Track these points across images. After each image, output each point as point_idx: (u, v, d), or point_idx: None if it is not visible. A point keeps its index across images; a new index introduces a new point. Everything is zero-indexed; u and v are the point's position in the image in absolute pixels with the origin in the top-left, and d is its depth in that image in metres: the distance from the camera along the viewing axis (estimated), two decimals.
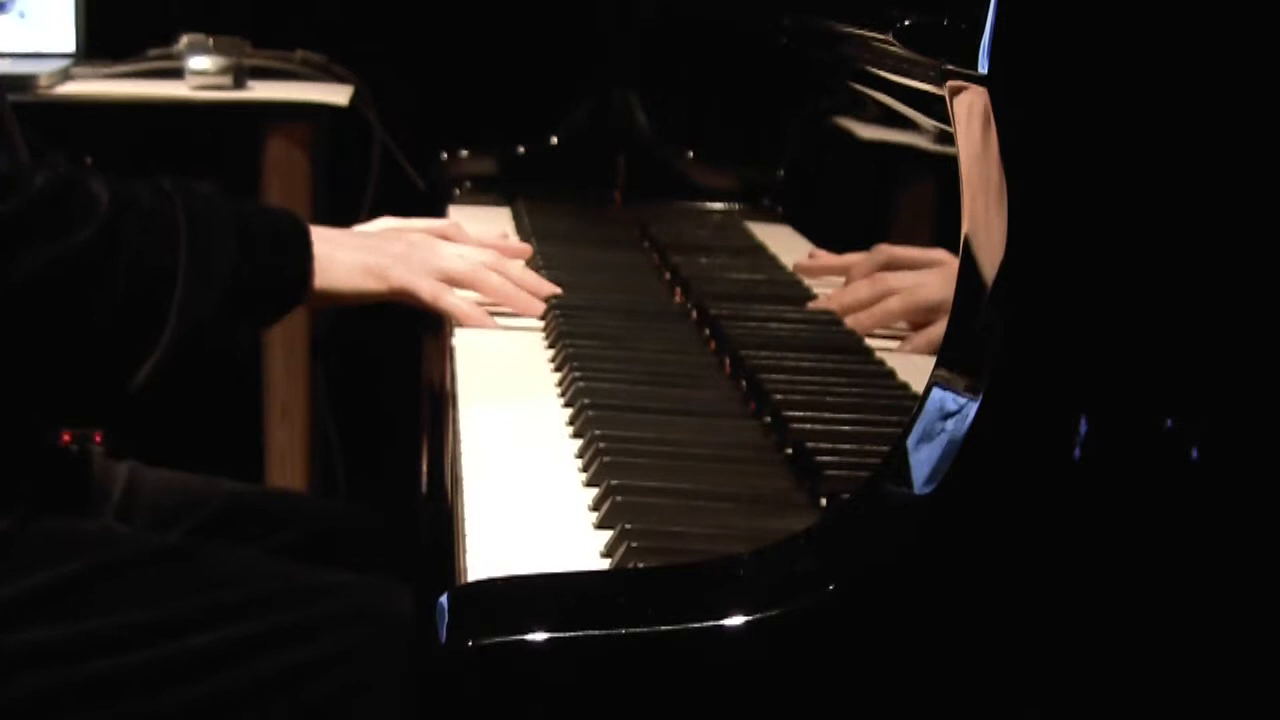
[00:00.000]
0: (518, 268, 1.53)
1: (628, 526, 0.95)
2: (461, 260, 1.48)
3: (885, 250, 1.33)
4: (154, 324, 1.27)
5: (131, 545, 1.34)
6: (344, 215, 1.80)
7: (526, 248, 1.62)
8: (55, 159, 1.31)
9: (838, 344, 1.31)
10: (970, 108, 0.82)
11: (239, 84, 2.44)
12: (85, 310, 1.25)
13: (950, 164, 0.85)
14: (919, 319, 1.25)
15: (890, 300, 1.28)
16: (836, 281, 1.44)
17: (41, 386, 1.31)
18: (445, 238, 1.52)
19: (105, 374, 1.30)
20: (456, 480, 1.08)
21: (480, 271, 1.48)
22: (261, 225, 1.37)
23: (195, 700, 1.25)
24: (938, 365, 0.84)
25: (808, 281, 1.51)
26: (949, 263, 0.90)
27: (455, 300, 1.46)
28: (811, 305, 1.43)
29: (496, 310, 1.48)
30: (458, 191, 2.16)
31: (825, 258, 1.53)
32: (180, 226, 1.29)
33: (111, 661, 1.24)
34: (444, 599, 0.80)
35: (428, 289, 1.45)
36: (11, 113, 1.34)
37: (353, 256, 1.42)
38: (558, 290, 1.52)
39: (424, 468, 1.98)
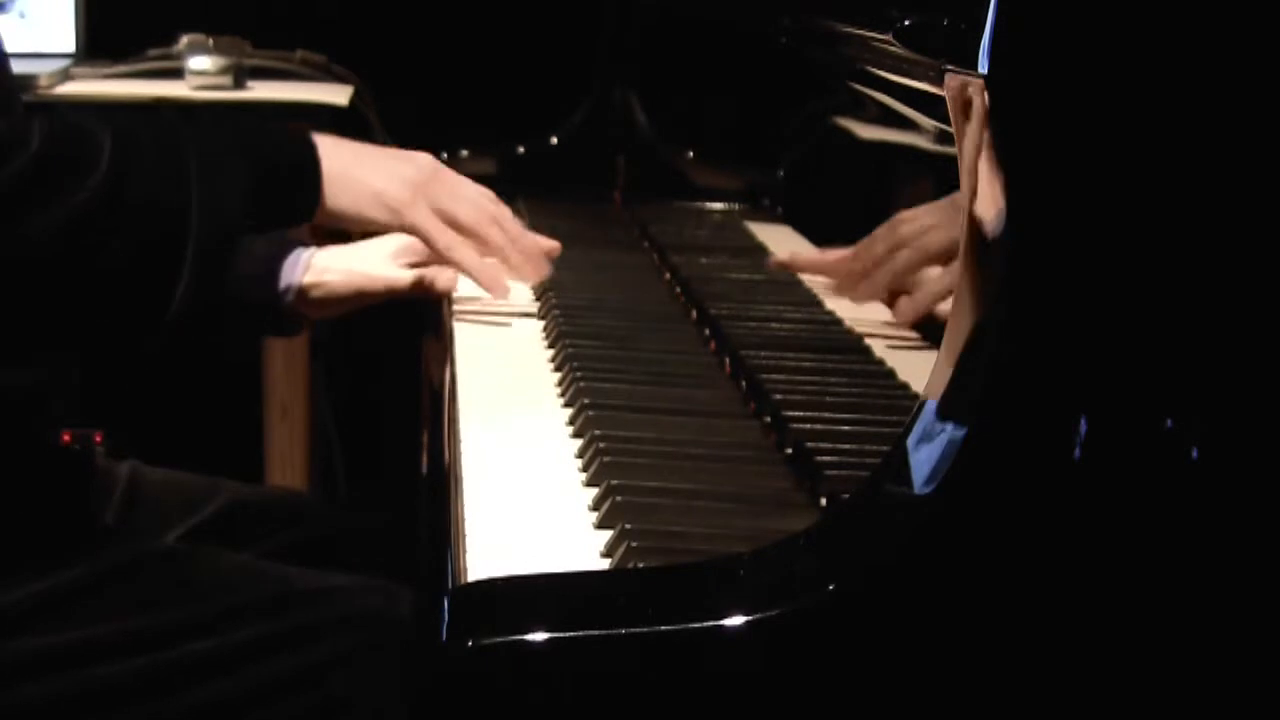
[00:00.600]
0: (524, 238, 1.51)
1: (628, 526, 0.95)
2: (473, 207, 1.45)
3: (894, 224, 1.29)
4: (173, 264, 1.24)
5: (131, 550, 1.33)
6: None
7: (555, 245, 1.62)
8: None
9: (838, 344, 1.31)
10: (970, 108, 0.82)
11: (239, 84, 2.44)
12: (101, 259, 1.22)
13: (950, 164, 0.85)
14: (932, 265, 1.23)
15: (899, 255, 1.26)
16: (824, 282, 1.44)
17: (70, 337, 1.28)
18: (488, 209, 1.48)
19: (131, 316, 1.27)
20: (456, 480, 1.08)
21: (486, 225, 1.46)
22: (269, 148, 1.34)
23: (196, 706, 1.25)
24: (938, 365, 0.84)
25: (808, 282, 1.51)
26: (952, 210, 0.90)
27: (469, 255, 1.44)
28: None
29: (495, 308, 1.48)
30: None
31: (803, 256, 1.53)
32: (189, 160, 1.27)
33: (113, 668, 1.24)
34: (444, 599, 0.80)
35: (443, 239, 1.42)
36: (11, 73, 1.32)
37: (367, 179, 1.39)
38: (555, 248, 1.51)
39: (424, 468, 1.98)
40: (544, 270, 1.50)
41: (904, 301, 1.23)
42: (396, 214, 1.40)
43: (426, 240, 1.42)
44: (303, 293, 1.48)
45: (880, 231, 1.28)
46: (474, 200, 1.46)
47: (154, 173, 1.25)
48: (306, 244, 1.52)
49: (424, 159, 1.47)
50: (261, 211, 1.32)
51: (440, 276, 1.51)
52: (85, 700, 1.24)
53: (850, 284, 1.33)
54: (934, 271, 1.17)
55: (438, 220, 1.42)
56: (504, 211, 1.50)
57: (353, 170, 1.38)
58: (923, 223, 1.20)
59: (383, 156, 1.44)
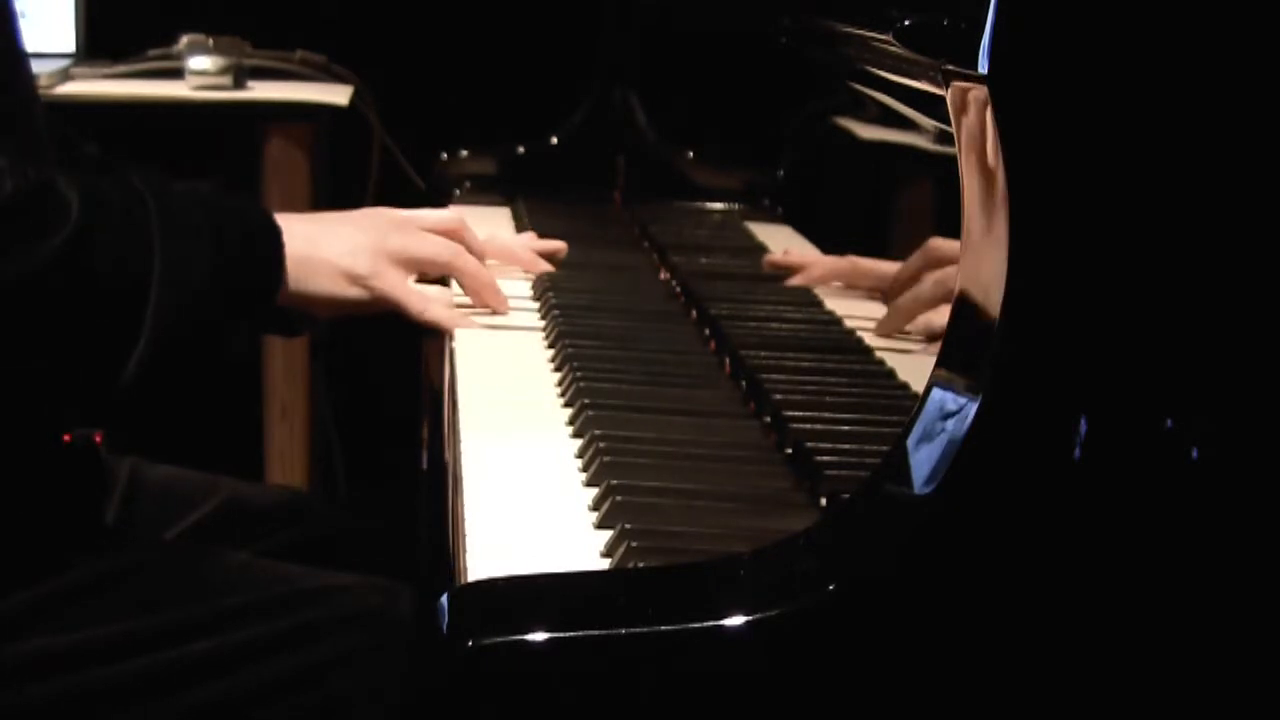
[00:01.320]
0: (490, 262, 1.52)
1: (628, 526, 0.95)
2: (434, 246, 1.46)
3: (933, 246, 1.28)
4: (129, 331, 1.24)
5: (132, 551, 1.33)
6: None
7: (561, 245, 1.61)
8: (43, 163, 1.28)
9: (838, 344, 1.31)
10: (970, 108, 0.82)
11: (239, 84, 2.44)
12: (57, 321, 1.22)
13: (950, 164, 0.85)
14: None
15: (924, 284, 1.25)
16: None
17: (18, 395, 1.28)
18: (451, 234, 1.49)
19: (84, 382, 1.26)
20: (456, 480, 1.08)
21: (454, 258, 1.46)
22: (234, 224, 1.33)
23: (197, 706, 1.25)
24: (938, 365, 0.84)
25: (803, 281, 1.51)
26: None
27: (443, 312, 1.45)
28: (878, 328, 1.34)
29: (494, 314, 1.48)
30: (458, 191, 2.16)
31: (796, 255, 1.53)
32: (153, 232, 1.26)
33: (113, 669, 1.24)
34: (444, 599, 0.80)
35: (416, 302, 1.43)
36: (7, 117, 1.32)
37: (330, 257, 1.39)
38: (561, 248, 1.53)
39: (424, 468, 1.98)
40: (504, 305, 1.50)
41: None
42: (366, 288, 1.40)
43: (402, 308, 1.43)
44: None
45: (914, 262, 1.27)
46: (435, 240, 1.46)
47: (119, 240, 1.24)
48: None
49: (379, 215, 1.47)
50: (224, 288, 1.30)
51: (444, 294, 1.50)
52: (86, 701, 1.24)
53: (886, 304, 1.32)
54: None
55: (406, 286, 1.43)
56: (467, 236, 1.50)
57: (316, 251, 1.38)
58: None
59: (340, 225, 1.44)
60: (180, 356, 1.29)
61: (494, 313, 1.49)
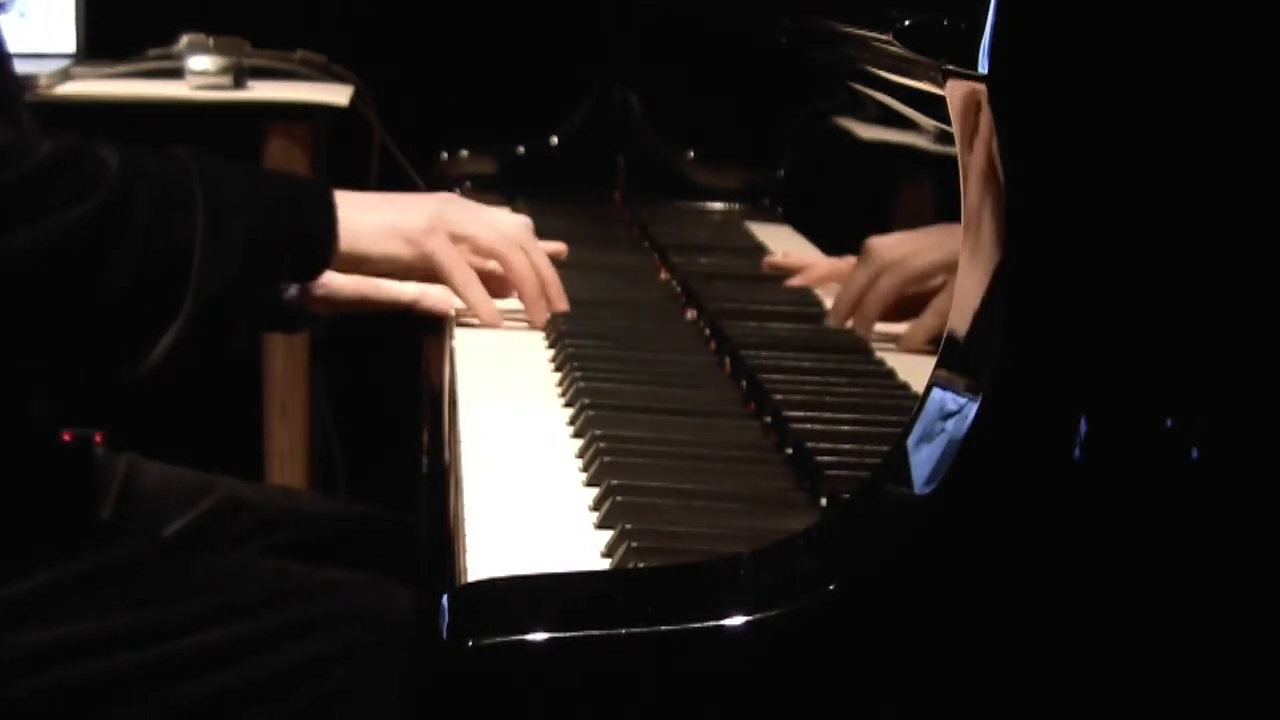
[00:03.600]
0: (543, 261, 1.50)
1: (628, 526, 0.95)
2: (491, 230, 1.45)
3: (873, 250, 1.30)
4: (172, 295, 1.23)
5: (128, 547, 1.33)
6: None
7: (562, 247, 1.62)
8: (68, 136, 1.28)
9: (838, 344, 1.31)
10: (970, 108, 0.82)
11: (239, 84, 2.44)
12: (96, 282, 1.21)
13: (950, 164, 0.85)
14: (914, 289, 1.23)
15: (882, 280, 1.26)
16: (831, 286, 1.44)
17: (52, 362, 1.27)
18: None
19: (121, 348, 1.25)
20: (457, 480, 1.08)
21: (513, 250, 1.45)
22: (281, 189, 1.34)
23: (194, 700, 1.25)
24: (938, 365, 0.84)
25: (803, 281, 1.51)
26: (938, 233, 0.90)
27: (481, 296, 1.44)
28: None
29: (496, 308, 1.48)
30: (458, 191, 2.16)
31: (796, 257, 1.53)
32: (195, 193, 1.25)
33: (110, 663, 1.24)
34: (444, 599, 0.80)
35: (460, 274, 1.41)
36: (18, 84, 1.31)
37: (381, 217, 1.38)
38: (561, 250, 1.53)
39: (424, 468, 1.98)
40: (555, 306, 1.47)
41: (912, 327, 1.23)
42: (414, 244, 1.39)
43: (442, 272, 1.41)
44: (307, 289, 1.47)
45: (857, 264, 1.29)
46: (494, 225, 1.46)
47: (160, 200, 1.23)
48: None
49: (445, 194, 1.49)
50: (268, 250, 1.30)
51: (444, 299, 1.50)
52: (83, 694, 1.24)
53: (840, 316, 1.33)
54: (937, 297, 1.17)
55: (454, 251, 1.41)
56: (529, 241, 1.48)
57: (368, 212, 1.38)
58: (899, 250, 1.21)
59: (400, 196, 1.45)
60: (233, 317, 1.28)
61: (531, 322, 1.46)
